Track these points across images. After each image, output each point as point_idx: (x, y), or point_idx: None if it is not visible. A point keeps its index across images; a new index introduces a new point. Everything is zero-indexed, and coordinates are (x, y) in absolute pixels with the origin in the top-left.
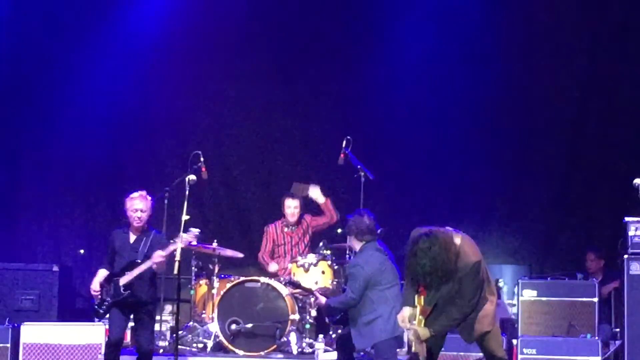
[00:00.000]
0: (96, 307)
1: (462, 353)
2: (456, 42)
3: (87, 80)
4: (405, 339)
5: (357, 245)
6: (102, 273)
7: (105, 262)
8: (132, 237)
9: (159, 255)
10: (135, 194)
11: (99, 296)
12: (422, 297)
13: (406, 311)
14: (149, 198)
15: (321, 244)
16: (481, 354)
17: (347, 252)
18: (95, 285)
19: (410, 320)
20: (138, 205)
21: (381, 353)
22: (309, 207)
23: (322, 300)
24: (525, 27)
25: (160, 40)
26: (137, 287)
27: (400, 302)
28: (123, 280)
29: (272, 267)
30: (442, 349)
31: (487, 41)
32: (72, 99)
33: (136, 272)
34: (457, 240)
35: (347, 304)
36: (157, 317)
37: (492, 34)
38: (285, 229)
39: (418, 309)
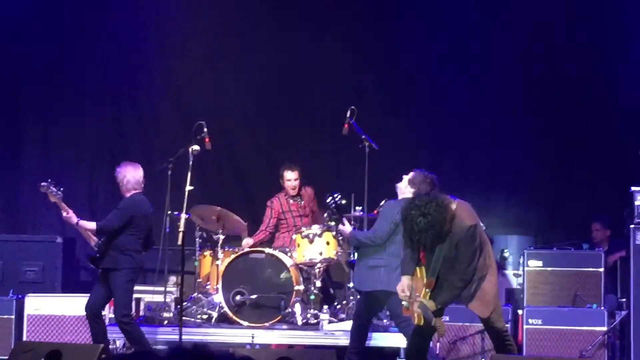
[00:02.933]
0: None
1: (467, 323)
2: (464, 13)
3: (90, 52)
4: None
5: (402, 192)
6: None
7: None
8: None
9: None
10: None
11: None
12: (422, 268)
13: (405, 280)
14: (121, 170)
15: (325, 214)
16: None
17: (352, 222)
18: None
19: (409, 290)
20: None
21: (369, 301)
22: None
23: (348, 229)
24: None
25: (163, 10)
26: (101, 250)
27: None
28: None
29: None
30: (447, 318)
31: (494, 12)
32: (74, 71)
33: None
34: (453, 205)
35: (371, 241)
36: (161, 289)
37: (503, 4)
38: (291, 200)
39: (424, 282)
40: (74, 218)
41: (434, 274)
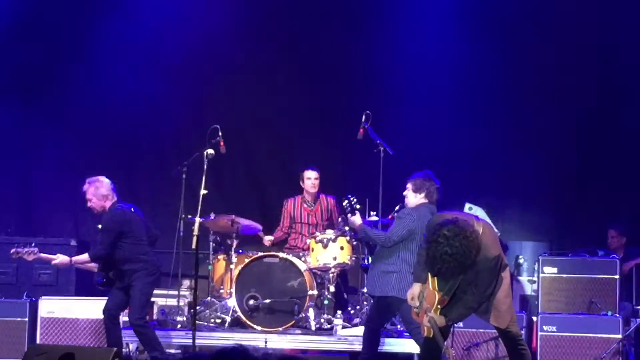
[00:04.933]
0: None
1: (480, 330)
2: (478, 17)
3: (106, 55)
4: (413, 317)
5: (412, 201)
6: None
7: None
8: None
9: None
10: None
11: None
12: (435, 278)
13: (416, 288)
14: (95, 183)
15: (340, 219)
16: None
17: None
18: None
19: (419, 299)
20: (86, 195)
21: (381, 307)
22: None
23: (358, 220)
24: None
25: (177, 14)
26: (113, 271)
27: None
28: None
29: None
30: (461, 325)
31: (509, 16)
32: (89, 74)
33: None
34: (479, 228)
35: (381, 241)
36: (175, 292)
37: (516, 8)
38: (304, 205)
39: (437, 298)
40: (65, 260)
41: (449, 293)
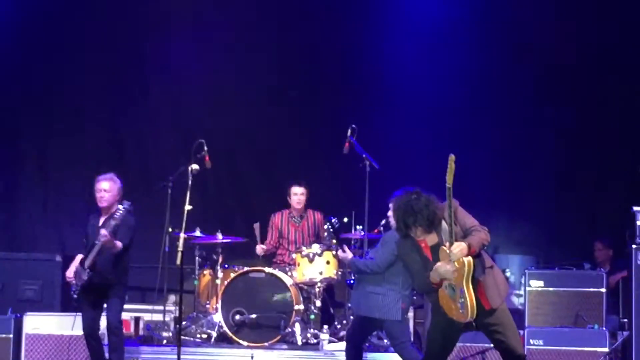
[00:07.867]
0: (72, 294)
1: (467, 344)
2: (460, 32)
3: (89, 69)
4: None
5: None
6: (78, 258)
7: (82, 247)
8: (101, 220)
9: (102, 234)
10: (102, 176)
11: (74, 282)
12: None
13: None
14: (117, 181)
15: (326, 234)
16: (488, 345)
17: (353, 242)
18: (69, 272)
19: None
20: (102, 185)
21: (364, 325)
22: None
23: (349, 255)
24: (533, 11)
25: (161, 27)
26: (100, 268)
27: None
28: (86, 263)
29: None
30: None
31: (491, 28)
32: (73, 88)
33: (93, 252)
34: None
35: (370, 269)
36: (160, 308)
37: (499, 20)
38: (292, 221)
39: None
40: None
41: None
